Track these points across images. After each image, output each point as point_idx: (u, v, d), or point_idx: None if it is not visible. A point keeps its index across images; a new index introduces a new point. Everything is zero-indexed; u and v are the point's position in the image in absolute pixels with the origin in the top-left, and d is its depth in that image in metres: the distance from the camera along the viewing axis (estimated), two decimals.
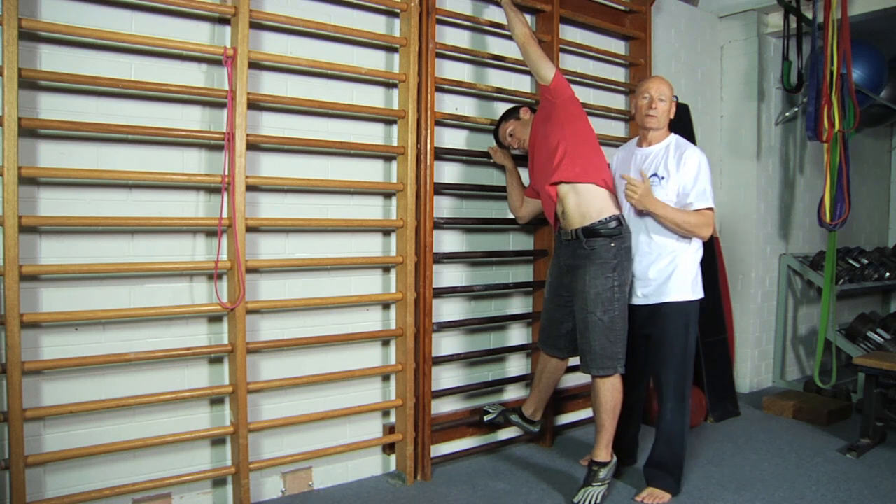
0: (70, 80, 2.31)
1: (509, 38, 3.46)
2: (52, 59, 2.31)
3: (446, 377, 3.32)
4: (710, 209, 2.76)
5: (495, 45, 3.41)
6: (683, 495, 2.92)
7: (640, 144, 2.93)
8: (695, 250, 2.84)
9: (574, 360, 3.03)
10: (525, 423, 3.20)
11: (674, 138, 2.88)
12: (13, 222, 2.15)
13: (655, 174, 2.81)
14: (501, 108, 3.45)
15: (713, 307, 4.15)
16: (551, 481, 3.05)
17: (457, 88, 3.26)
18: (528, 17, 3.55)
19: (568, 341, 2.96)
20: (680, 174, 2.76)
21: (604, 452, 2.81)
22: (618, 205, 2.82)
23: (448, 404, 3.33)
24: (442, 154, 3.20)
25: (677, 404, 2.84)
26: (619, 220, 2.76)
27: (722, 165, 4.70)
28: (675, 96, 2.90)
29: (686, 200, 2.75)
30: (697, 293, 2.85)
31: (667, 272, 2.80)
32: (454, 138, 3.31)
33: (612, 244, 2.72)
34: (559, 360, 3.04)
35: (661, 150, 2.85)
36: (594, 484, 2.80)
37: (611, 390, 2.78)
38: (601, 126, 3.93)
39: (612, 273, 2.72)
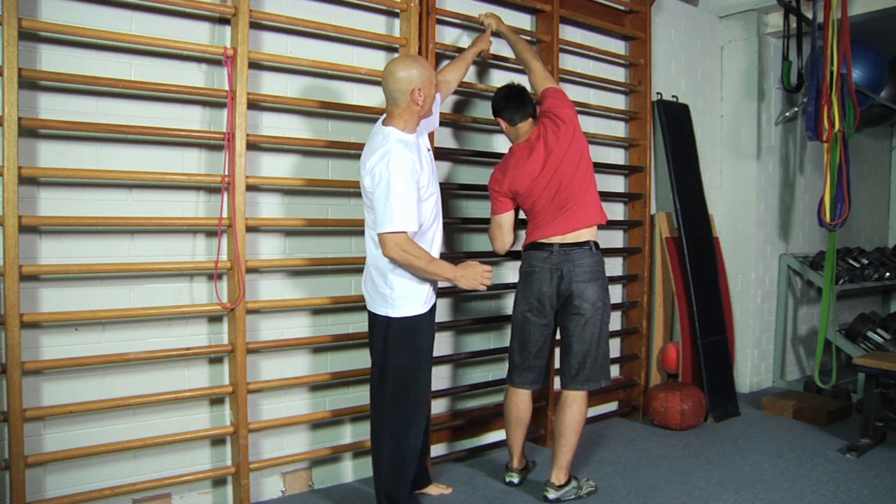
0: (70, 80, 2.31)
1: None
2: (52, 59, 2.31)
3: (445, 377, 3.32)
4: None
5: (495, 46, 3.40)
6: (684, 495, 2.92)
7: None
8: None
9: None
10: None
11: None
12: (13, 222, 2.15)
13: None
14: None
15: (713, 307, 4.15)
16: None
17: (456, 88, 3.25)
18: (527, 17, 3.56)
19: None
20: None
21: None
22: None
23: (447, 404, 3.33)
24: (443, 154, 3.19)
25: None
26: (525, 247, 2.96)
27: (722, 165, 4.70)
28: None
29: None
30: None
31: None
32: (454, 138, 3.31)
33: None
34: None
35: None
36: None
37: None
38: (601, 126, 3.94)
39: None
